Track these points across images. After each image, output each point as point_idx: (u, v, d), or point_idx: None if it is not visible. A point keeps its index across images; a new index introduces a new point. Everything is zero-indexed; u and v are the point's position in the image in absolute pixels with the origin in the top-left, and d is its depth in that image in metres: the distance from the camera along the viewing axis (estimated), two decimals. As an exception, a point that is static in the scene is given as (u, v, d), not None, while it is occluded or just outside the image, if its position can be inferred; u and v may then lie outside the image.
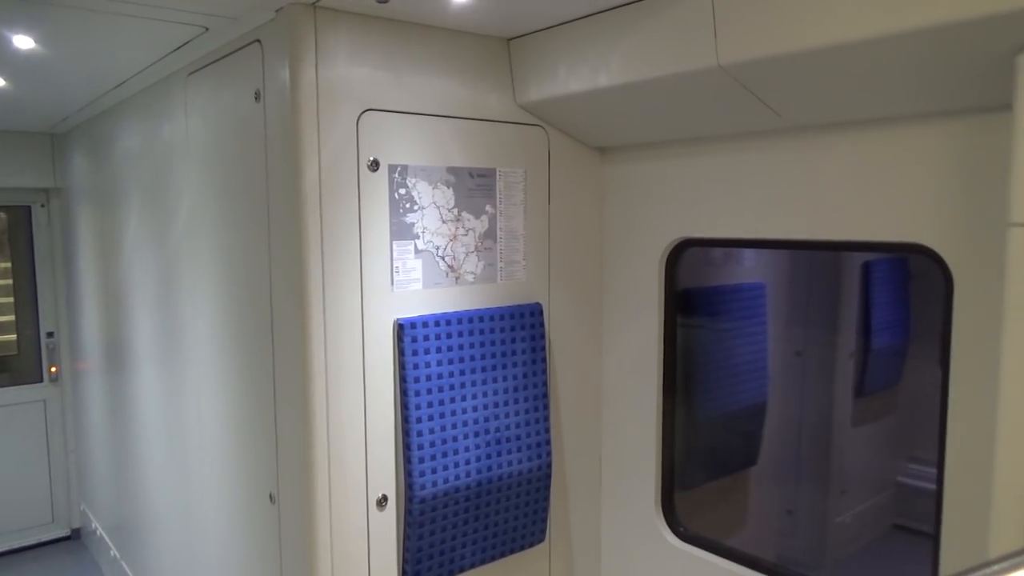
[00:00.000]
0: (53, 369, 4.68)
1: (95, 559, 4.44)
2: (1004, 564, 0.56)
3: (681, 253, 2.27)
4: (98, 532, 4.27)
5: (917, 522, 3.84)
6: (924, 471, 3.86)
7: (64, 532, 4.79)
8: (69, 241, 4.41)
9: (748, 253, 3.17)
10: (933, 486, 1.71)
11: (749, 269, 3.22)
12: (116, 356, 3.57)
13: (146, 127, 2.86)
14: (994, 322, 1.43)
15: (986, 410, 1.56)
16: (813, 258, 3.58)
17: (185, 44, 2.17)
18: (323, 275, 1.82)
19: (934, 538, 1.69)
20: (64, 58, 2.41)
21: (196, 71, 2.32)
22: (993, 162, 1.53)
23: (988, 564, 0.57)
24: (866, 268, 3.56)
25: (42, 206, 4.57)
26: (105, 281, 3.65)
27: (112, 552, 3.97)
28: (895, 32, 1.35)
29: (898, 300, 3.69)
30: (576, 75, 1.96)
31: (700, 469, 2.97)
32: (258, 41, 1.91)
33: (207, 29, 2.00)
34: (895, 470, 3.96)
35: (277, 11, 1.80)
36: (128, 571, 3.68)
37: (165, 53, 2.29)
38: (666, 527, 2.33)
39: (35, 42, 2.17)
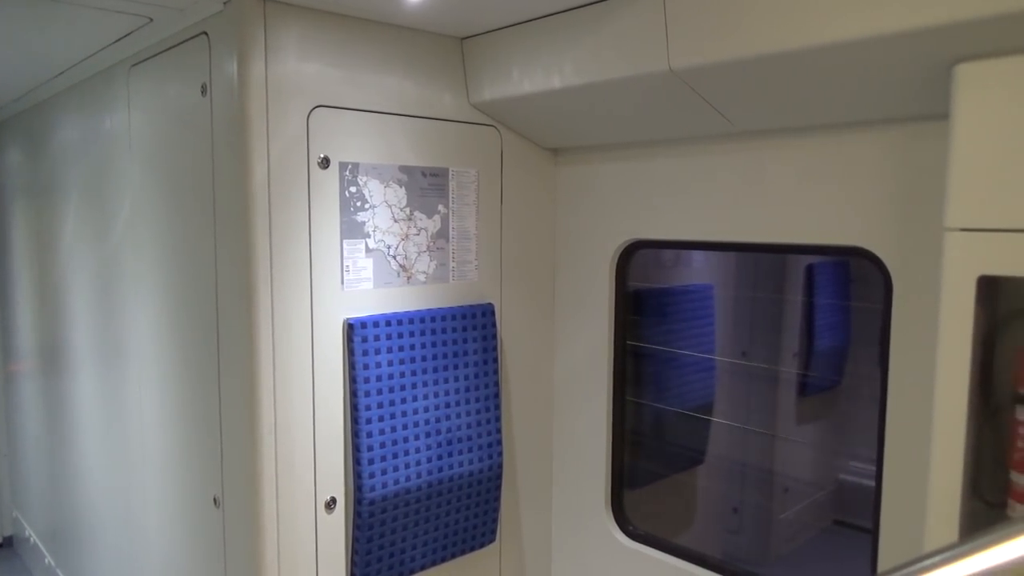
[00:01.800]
0: (-16, 370, 4.49)
1: (28, 568, 4.28)
2: (937, 559, 0.58)
3: (632, 254, 2.30)
4: (32, 540, 4.11)
5: (857, 518, 3.96)
6: (864, 468, 3.99)
7: (-5, 540, 4.60)
8: (3, 237, 4.24)
9: (697, 255, 3.22)
10: (871, 483, 1.77)
11: (697, 270, 3.27)
12: (52, 357, 3.44)
13: (86, 119, 2.77)
14: (931, 323, 1.48)
15: (923, 409, 1.61)
16: (759, 260, 3.66)
17: (128, 34, 2.10)
18: (271, 274, 1.78)
19: (873, 533, 1.74)
20: (0, 44, 2.31)
21: (139, 63, 2.25)
22: (930, 169, 1.58)
23: (923, 558, 0.59)
24: (809, 270, 3.66)
25: (-26, 200, 4.38)
26: (41, 280, 3.52)
27: (47, 560, 3.83)
28: (839, 41, 1.38)
29: (840, 302, 3.80)
30: (529, 76, 1.96)
31: (649, 468, 3.01)
32: (205, 33, 1.86)
33: (151, 20, 1.94)
34: (837, 468, 4.08)
35: (225, 3, 1.76)
36: None
37: (107, 43, 2.21)
38: (616, 526, 2.35)
39: (-34, 28, 2.08)
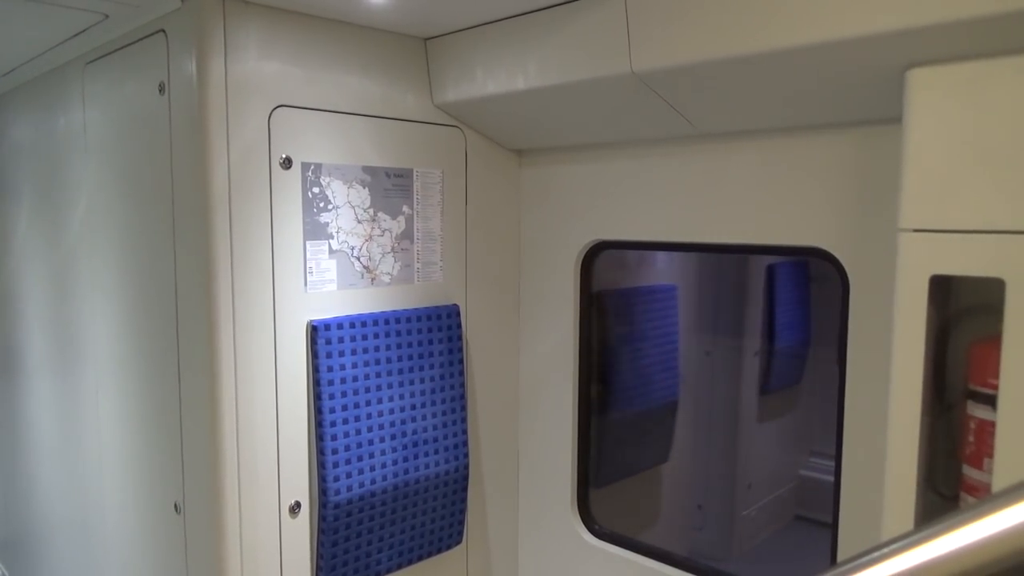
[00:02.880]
0: (-67, 376, 4.35)
1: (-20, 579, 4.15)
2: (893, 547, 0.59)
3: (596, 255, 2.31)
4: None
5: (817, 512, 4.04)
6: (824, 464, 4.07)
7: (-55, 551, 4.45)
8: None
9: (661, 256, 3.25)
10: (831, 478, 1.80)
11: (661, 271, 3.31)
12: (5, 360, 3.34)
13: (39, 119, 2.70)
14: (886, 321, 1.52)
15: (880, 406, 1.65)
16: (721, 261, 3.71)
17: (83, 31, 2.05)
18: (232, 276, 1.76)
19: (832, 527, 1.78)
20: (-54, 42, 2.24)
21: (95, 60, 2.20)
22: (885, 171, 1.62)
23: (879, 547, 0.61)
24: (770, 271, 3.72)
25: (-80, 200, 4.24)
26: None
27: (0, 570, 3.72)
28: (797, 46, 1.41)
29: (800, 302, 3.87)
30: (493, 77, 1.97)
31: (614, 467, 3.03)
32: (163, 31, 1.83)
33: (107, 16, 1.90)
34: (797, 464, 4.15)
35: (183, 0, 1.73)
36: None
37: (61, 40, 2.16)
38: (582, 525, 2.36)
39: (-88, 23, 2.01)
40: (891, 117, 1.54)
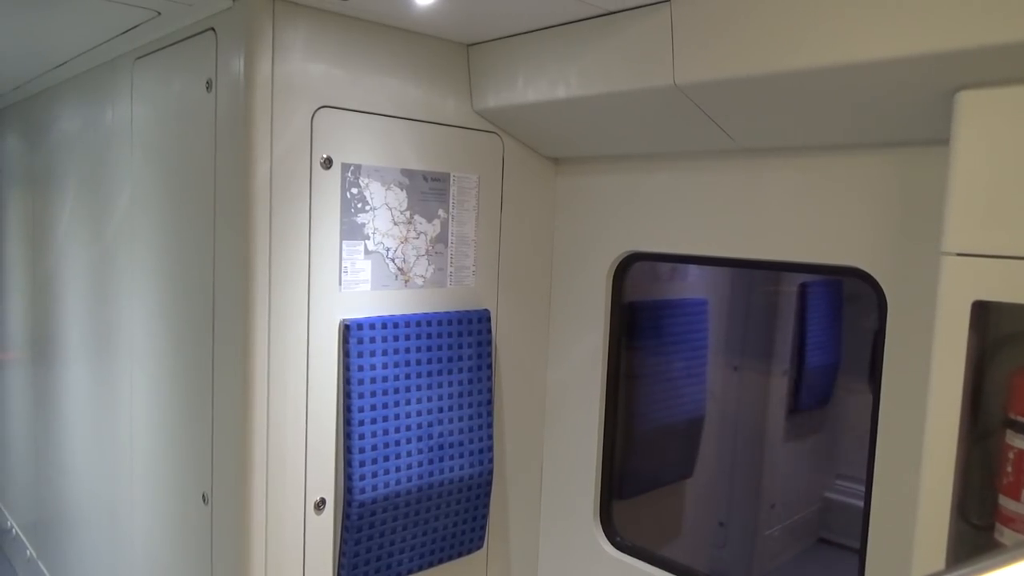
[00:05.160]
0: (-28, 358, 4.46)
1: (9, 559, 4.24)
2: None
3: (629, 266, 2.30)
4: (14, 531, 4.08)
5: (841, 536, 3.97)
6: (850, 487, 4.01)
7: (-24, 530, 4.56)
8: None
9: (692, 269, 3.23)
10: (857, 502, 1.78)
11: (692, 284, 3.29)
12: (42, 347, 3.42)
13: (88, 110, 2.76)
14: (924, 345, 1.50)
15: (914, 431, 1.62)
16: (752, 276, 3.68)
17: (135, 27, 2.10)
18: (269, 272, 1.78)
19: (860, 553, 1.75)
20: (4, 33, 2.31)
21: (144, 56, 2.25)
22: (930, 193, 1.60)
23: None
24: (803, 289, 3.68)
25: (-31, 186, 4.36)
26: (34, 268, 3.50)
27: (28, 552, 3.80)
28: (843, 63, 1.40)
29: (832, 321, 3.82)
30: (534, 85, 1.97)
31: (638, 480, 3.02)
32: (212, 29, 1.87)
33: (159, 13, 1.94)
34: (823, 486, 4.09)
35: (235, 0, 1.77)
36: (45, 572, 3.52)
37: (113, 35, 2.21)
38: (603, 536, 2.35)
39: (-27, 15, 2.08)
40: (935, 139, 1.52)
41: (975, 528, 1.45)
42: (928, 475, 1.35)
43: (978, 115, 1.31)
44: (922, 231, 1.62)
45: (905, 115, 1.52)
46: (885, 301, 1.69)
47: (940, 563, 1.35)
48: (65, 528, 3.20)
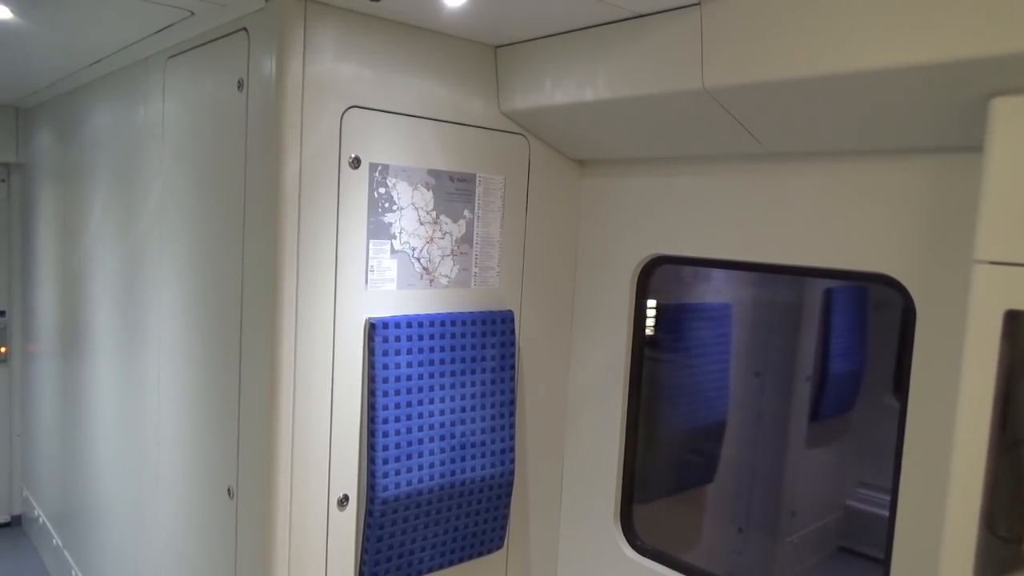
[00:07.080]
0: (3, 349, 4.55)
1: (36, 547, 4.32)
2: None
3: (653, 269, 2.30)
4: (41, 520, 4.15)
5: (862, 546, 3.93)
6: (873, 496, 3.96)
7: (4, 519, 4.65)
8: (28, 219, 4.29)
9: (716, 273, 3.22)
10: (880, 511, 1.76)
11: (716, 288, 3.27)
12: (71, 340, 3.48)
13: (120, 108, 2.81)
14: (954, 354, 1.48)
15: (942, 440, 1.60)
16: (777, 281, 3.65)
17: (169, 26, 2.13)
18: (297, 270, 1.80)
19: (884, 563, 1.73)
20: (41, 31, 2.35)
21: (177, 55, 2.28)
22: (961, 200, 1.58)
23: None
24: (828, 295, 3.64)
25: (2, 180, 4.44)
26: (64, 262, 3.56)
27: (54, 541, 3.86)
28: (875, 68, 1.39)
29: (857, 328, 3.78)
30: (562, 87, 1.98)
31: (659, 484, 3.01)
32: (244, 29, 1.89)
33: (192, 13, 1.97)
34: (844, 493, 4.05)
35: (267, 0, 1.79)
36: (71, 561, 3.58)
37: (147, 34, 2.25)
38: (623, 540, 2.35)
39: (12, 12, 2.12)
40: (967, 145, 1.51)
41: (1003, 540, 1.43)
42: (956, 486, 1.34)
43: (1012, 122, 1.29)
44: (953, 238, 1.60)
45: (937, 121, 1.51)
46: (914, 309, 1.67)
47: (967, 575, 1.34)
48: (90, 518, 3.25)
